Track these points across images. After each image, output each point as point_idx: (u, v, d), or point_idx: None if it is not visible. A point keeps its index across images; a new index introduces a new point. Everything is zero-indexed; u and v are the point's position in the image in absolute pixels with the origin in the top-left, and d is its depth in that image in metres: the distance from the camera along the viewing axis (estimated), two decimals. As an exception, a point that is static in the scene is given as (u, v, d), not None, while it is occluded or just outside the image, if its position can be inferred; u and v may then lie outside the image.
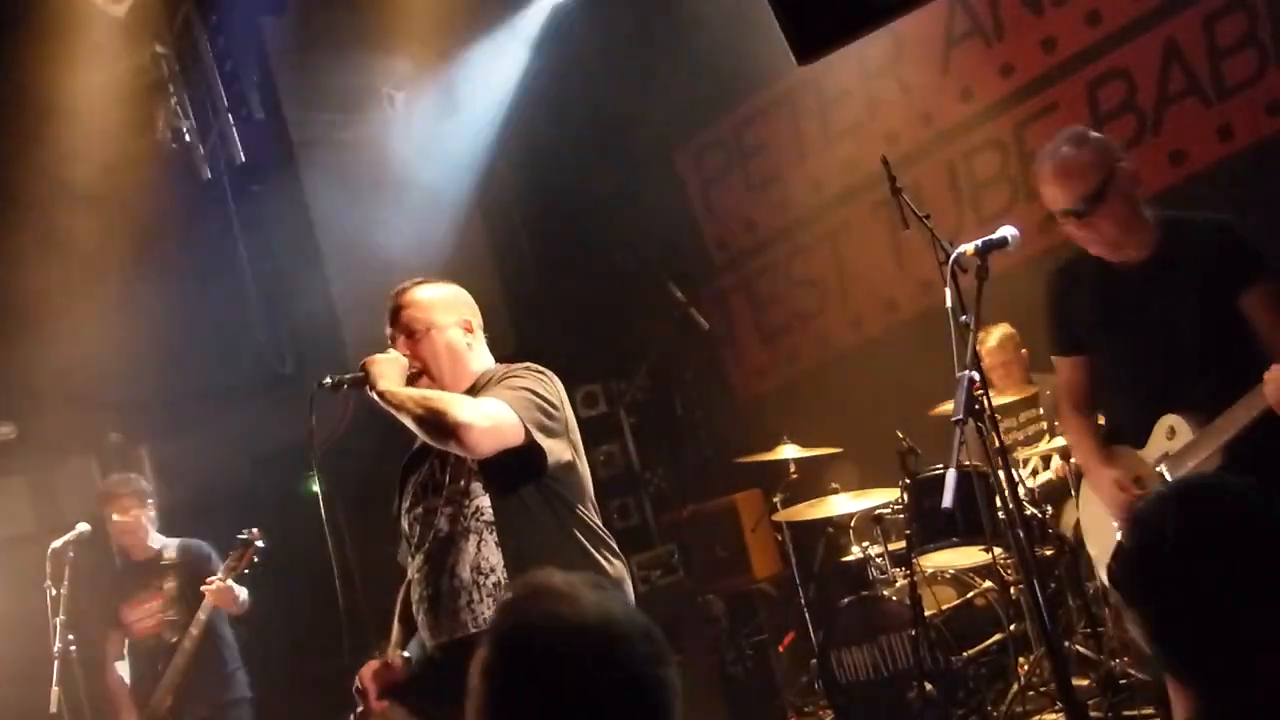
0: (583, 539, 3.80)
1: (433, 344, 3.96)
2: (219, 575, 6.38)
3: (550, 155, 8.33)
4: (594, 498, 3.96)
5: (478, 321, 4.13)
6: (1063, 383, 4.57)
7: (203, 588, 6.39)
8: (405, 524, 3.97)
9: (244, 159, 7.84)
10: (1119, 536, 4.19)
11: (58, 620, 6.34)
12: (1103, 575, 4.26)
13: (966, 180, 7.72)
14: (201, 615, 6.40)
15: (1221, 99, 6.59)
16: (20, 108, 7.41)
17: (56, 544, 6.51)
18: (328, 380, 3.89)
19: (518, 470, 3.69)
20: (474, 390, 3.86)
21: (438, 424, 3.56)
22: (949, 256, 4.32)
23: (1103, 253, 4.22)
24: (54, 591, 6.39)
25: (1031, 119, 7.30)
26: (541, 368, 3.94)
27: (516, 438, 3.64)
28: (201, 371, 8.17)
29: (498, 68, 8.76)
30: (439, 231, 8.56)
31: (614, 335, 8.72)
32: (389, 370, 3.80)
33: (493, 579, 3.69)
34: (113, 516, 6.74)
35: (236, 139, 7.79)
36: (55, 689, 6.22)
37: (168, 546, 6.80)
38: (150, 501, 6.88)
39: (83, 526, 6.66)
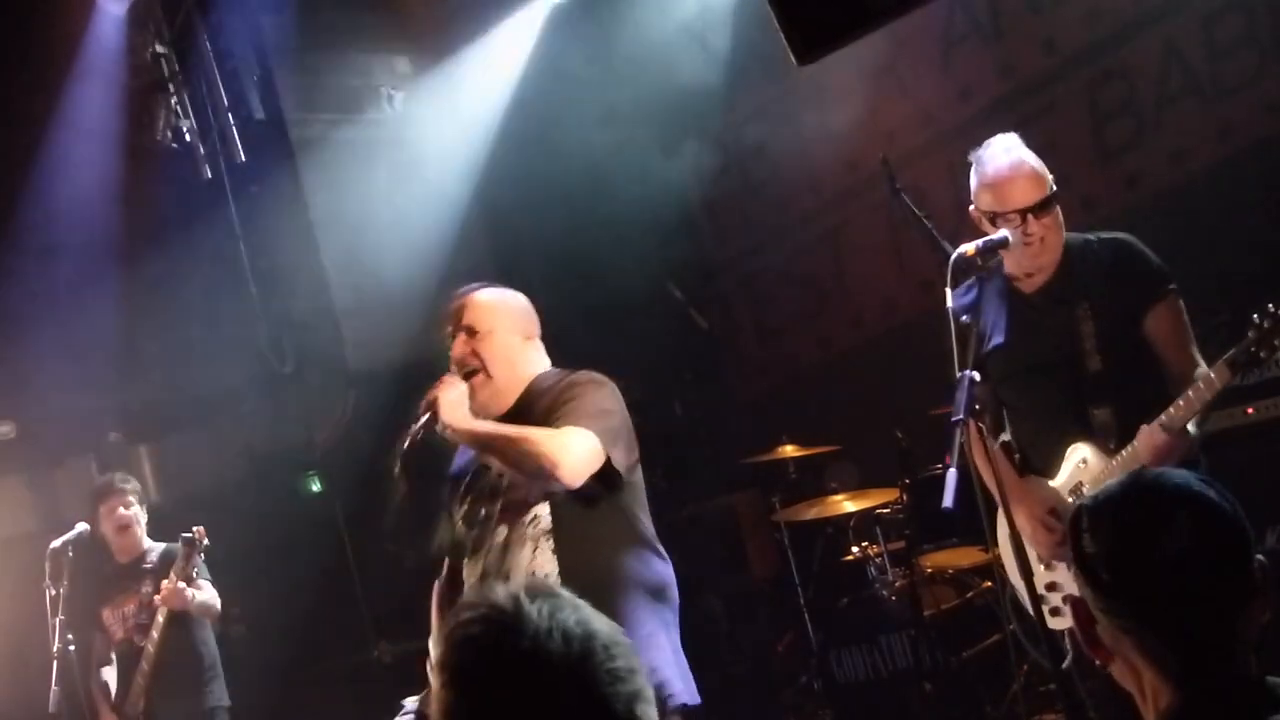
0: (635, 545, 3.92)
1: (492, 346, 4.06)
2: (171, 577, 6.34)
3: (549, 155, 8.32)
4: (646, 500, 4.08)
5: (536, 329, 4.24)
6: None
7: (163, 583, 6.37)
8: (457, 525, 4.07)
9: (244, 159, 7.85)
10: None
11: (57, 620, 6.33)
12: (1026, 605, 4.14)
13: (966, 180, 7.70)
14: (159, 618, 6.36)
15: (1221, 99, 6.59)
16: (21, 107, 7.41)
17: (56, 543, 6.50)
18: (406, 444, 3.97)
19: (586, 486, 3.81)
20: (529, 395, 4.01)
21: (536, 467, 3.70)
22: (949, 256, 4.32)
23: (1029, 264, 4.15)
24: (53, 591, 6.38)
25: (1031, 119, 7.30)
26: (596, 375, 4.05)
27: (599, 463, 3.78)
28: (201, 371, 8.18)
29: (497, 67, 8.75)
30: (438, 231, 8.56)
31: (613, 335, 8.71)
32: (458, 405, 3.91)
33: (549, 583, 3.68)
34: (117, 510, 6.69)
35: (237, 139, 7.80)
36: (54, 689, 6.21)
37: (152, 550, 6.75)
38: (144, 504, 6.87)
39: (82, 526, 6.65)
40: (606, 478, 3.84)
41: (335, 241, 8.42)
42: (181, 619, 6.46)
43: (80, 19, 7.30)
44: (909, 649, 6.32)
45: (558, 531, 3.86)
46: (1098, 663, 2.11)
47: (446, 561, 4.16)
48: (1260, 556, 2.01)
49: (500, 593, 1.72)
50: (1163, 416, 3.79)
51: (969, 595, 6.56)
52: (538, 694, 1.65)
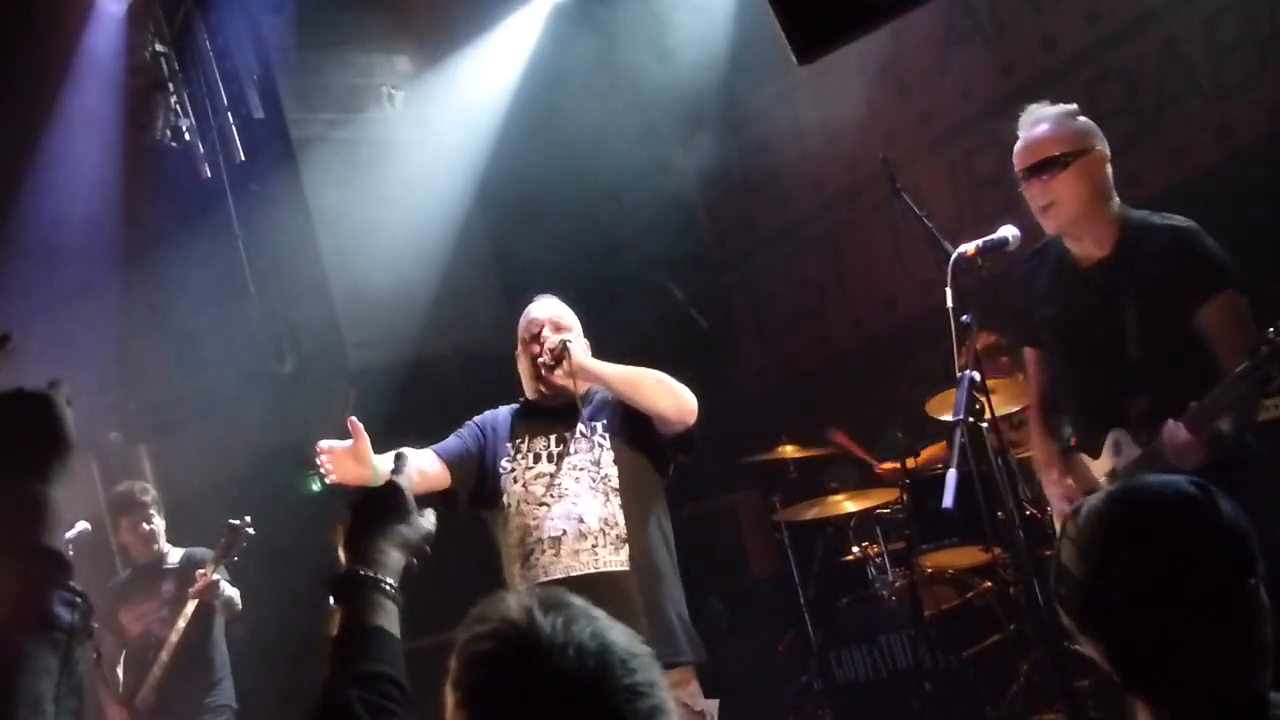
0: (665, 505, 4.67)
1: (576, 338, 4.71)
2: (208, 568, 6.41)
3: (549, 154, 8.32)
4: None
5: None
6: (1030, 377, 4.55)
7: (197, 574, 6.42)
8: (506, 482, 4.55)
9: (243, 157, 7.84)
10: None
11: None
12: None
13: (966, 180, 7.72)
14: (188, 608, 6.41)
15: (1221, 99, 6.59)
16: (20, 106, 7.40)
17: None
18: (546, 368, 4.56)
19: (659, 452, 4.59)
20: (588, 395, 4.65)
21: (676, 395, 4.46)
22: (949, 256, 4.32)
23: (1066, 236, 4.18)
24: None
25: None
26: None
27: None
28: (201, 371, 8.18)
29: (497, 66, 8.75)
30: (438, 231, 8.56)
31: (614, 335, 8.69)
32: (585, 351, 4.65)
33: (615, 531, 4.41)
34: (140, 526, 6.78)
35: (236, 138, 7.79)
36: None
37: (172, 553, 6.84)
38: (161, 511, 6.91)
39: (82, 525, 6.65)
40: (677, 442, 4.56)
41: (335, 241, 8.41)
42: (203, 616, 6.53)
43: (79, 18, 7.29)
44: (909, 649, 6.32)
45: (622, 487, 4.45)
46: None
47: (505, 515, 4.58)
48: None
49: (512, 605, 1.68)
50: (1187, 414, 3.74)
51: (969, 595, 6.55)
52: (554, 712, 1.61)
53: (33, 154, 7.52)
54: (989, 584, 6.46)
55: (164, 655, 6.43)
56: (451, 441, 4.67)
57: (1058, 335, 4.30)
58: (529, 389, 4.71)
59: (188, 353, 8.23)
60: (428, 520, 2.31)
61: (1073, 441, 4.35)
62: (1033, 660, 6.10)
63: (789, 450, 7.44)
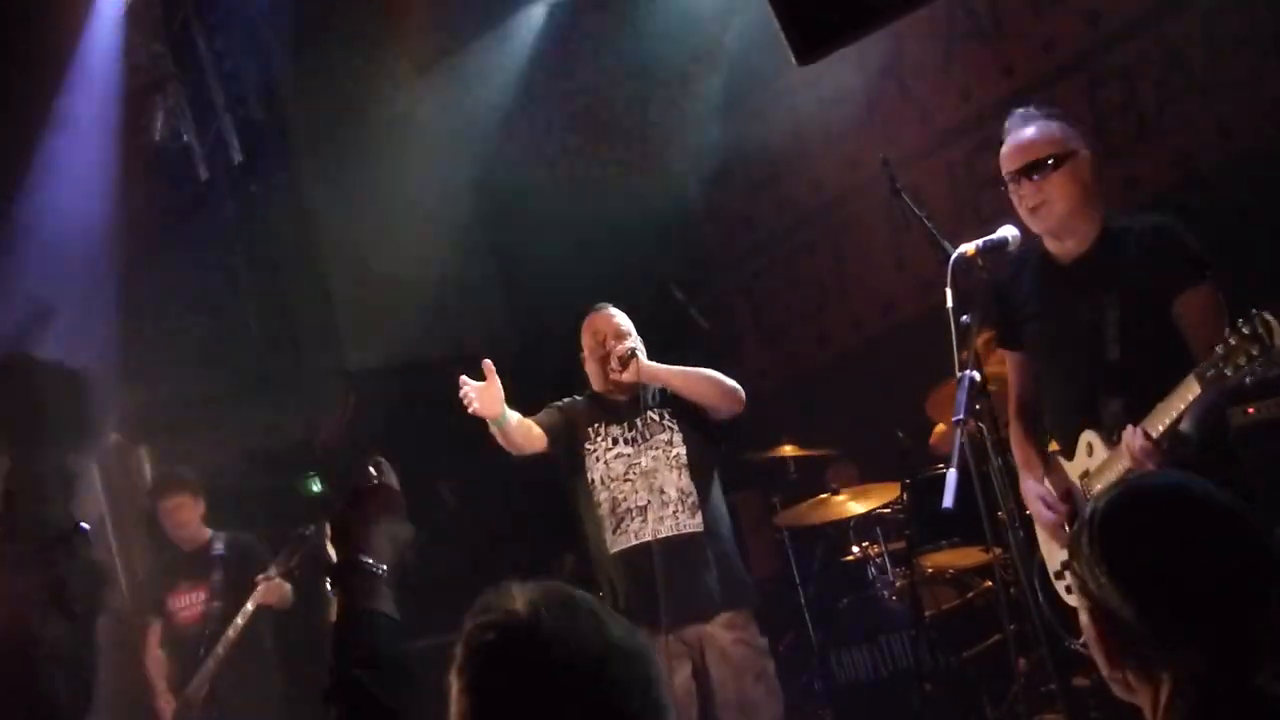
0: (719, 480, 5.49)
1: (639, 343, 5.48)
2: (272, 571, 6.44)
3: (550, 155, 8.32)
4: None
5: None
6: (1010, 381, 4.55)
7: (259, 578, 6.44)
8: (589, 460, 5.38)
9: (242, 158, 7.84)
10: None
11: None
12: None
13: (966, 180, 7.71)
14: (249, 606, 6.45)
15: (1222, 99, 6.58)
16: (18, 107, 7.40)
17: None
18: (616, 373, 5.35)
19: (715, 434, 5.41)
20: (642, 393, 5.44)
21: (730, 391, 5.31)
22: (949, 256, 4.32)
23: (1048, 236, 4.18)
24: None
25: (1031, 119, 7.29)
26: None
27: None
28: (200, 371, 8.17)
29: (498, 67, 8.75)
30: (438, 231, 8.56)
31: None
32: (645, 358, 5.36)
33: (691, 499, 5.24)
34: (181, 511, 6.83)
35: (235, 138, 7.79)
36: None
37: (217, 538, 6.87)
38: (202, 494, 6.93)
39: (83, 526, 6.65)
40: (724, 425, 5.42)
41: (334, 241, 8.41)
42: (259, 611, 6.55)
43: (77, 18, 7.29)
44: (909, 649, 6.31)
45: (690, 462, 5.27)
46: (1106, 674, 2.08)
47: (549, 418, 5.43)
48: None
49: (517, 598, 1.70)
50: (1148, 418, 3.73)
51: (969, 595, 6.55)
52: (554, 705, 1.63)
53: (31, 155, 7.52)
54: (989, 584, 6.45)
55: (220, 650, 6.46)
56: (546, 415, 5.43)
57: (1039, 334, 4.30)
58: (598, 385, 5.48)
59: (187, 353, 8.22)
60: (408, 529, 2.42)
61: (1053, 445, 4.35)
62: (1033, 660, 6.10)
63: (789, 450, 7.44)
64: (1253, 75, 6.45)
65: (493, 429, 5.17)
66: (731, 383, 5.33)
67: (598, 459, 5.38)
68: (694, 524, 5.23)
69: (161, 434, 8.82)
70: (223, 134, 7.82)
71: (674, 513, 5.23)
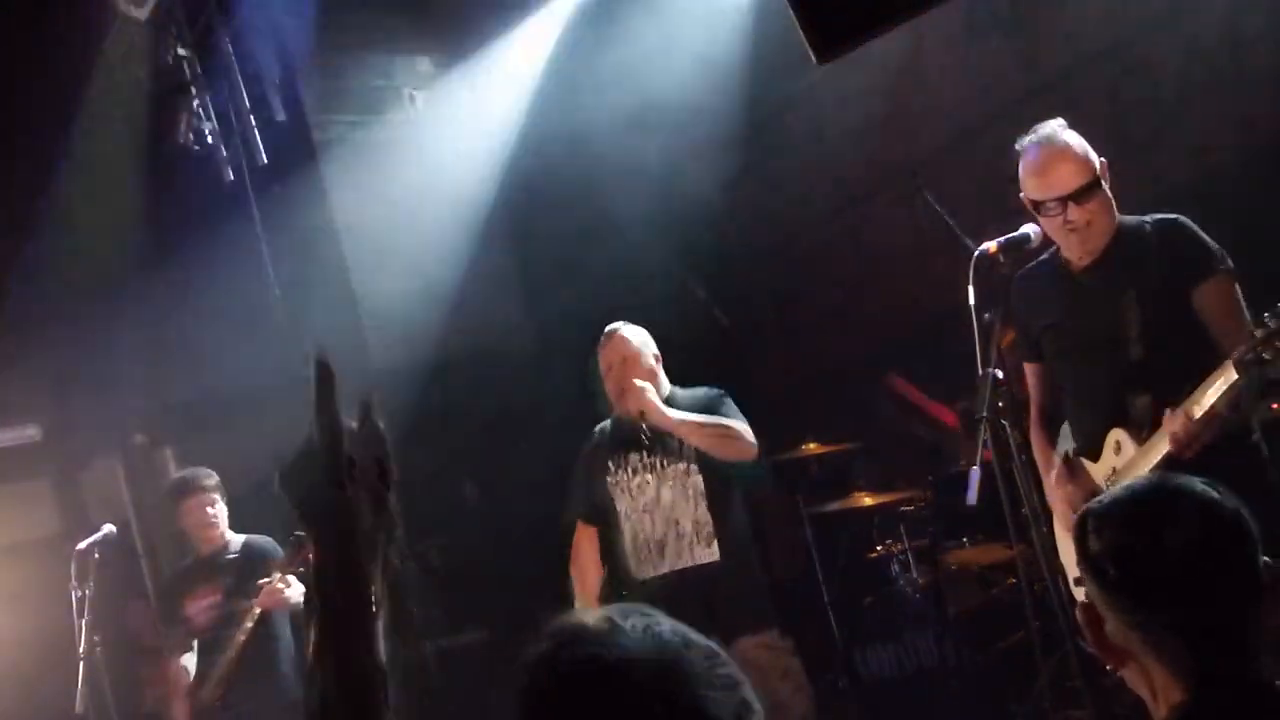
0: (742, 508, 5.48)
1: (653, 373, 5.50)
2: (275, 574, 6.40)
3: (570, 155, 8.32)
4: None
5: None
6: (1031, 392, 4.54)
7: (261, 581, 6.42)
8: (615, 492, 5.45)
9: (266, 161, 7.86)
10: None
11: (83, 621, 6.37)
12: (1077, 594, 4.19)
13: (988, 177, 7.69)
14: (256, 610, 6.41)
15: (1244, 93, 6.55)
16: (44, 110, 7.45)
17: (82, 545, 6.55)
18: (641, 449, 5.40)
19: (732, 467, 5.33)
20: (669, 401, 5.39)
21: (739, 447, 5.25)
22: (971, 254, 4.32)
23: (1075, 250, 4.16)
24: (79, 593, 6.42)
25: (1053, 114, 7.26)
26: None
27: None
28: (225, 374, 8.20)
29: (519, 67, 8.76)
30: (461, 231, 8.58)
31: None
32: (658, 402, 5.29)
33: (706, 529, 5.26)
34: (204, 510, 6.72)
35: (259, 141, 7.81)
36: (81, 688, 6.25)
37: (234, 542, 6.79)
38: (224, 496, 6.90)
39: (108, 528, 6.69)
40: (745, 464, 5.35)
41: (357, 242, 8.44)
42: (268, 617, 6.49)
43: (101, 22, 7.32)
44: (934, 646, 6.31)
45: (709, 494, 5.28)
46: (1109, 667, 2.10)
47: (587, 524, 5.61)
48: (1267, 559, 2.00)
49: (579, 615, 1.66)
50: (1186, 402, 3.72)
51: (994, 592, 6.54)
52: (607, 705, 1.57)
53: (56, 159, 7.56)
54: (1013, 581, 6.44)
55: (230, 653, 6.42)
56: (579, 510, 5.66)
57: (1059, 341, 4.29)
58: (615, 409, 5.55)
59: (212, 355, 8.26)
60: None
61: (1073, 452, 4.34)
62: (1058, 657, 6.09)
63: (812, 448, 7.43)
64: (1274, 70, 6.42)
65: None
66: (743, 437, 5.29)
67: (622, 490, 5.46)
68: (709, 554, 5.26)
69: (186, 436, 8.87)
70: (246, 137, 7.84)
71: (689, 545, 5.29)
